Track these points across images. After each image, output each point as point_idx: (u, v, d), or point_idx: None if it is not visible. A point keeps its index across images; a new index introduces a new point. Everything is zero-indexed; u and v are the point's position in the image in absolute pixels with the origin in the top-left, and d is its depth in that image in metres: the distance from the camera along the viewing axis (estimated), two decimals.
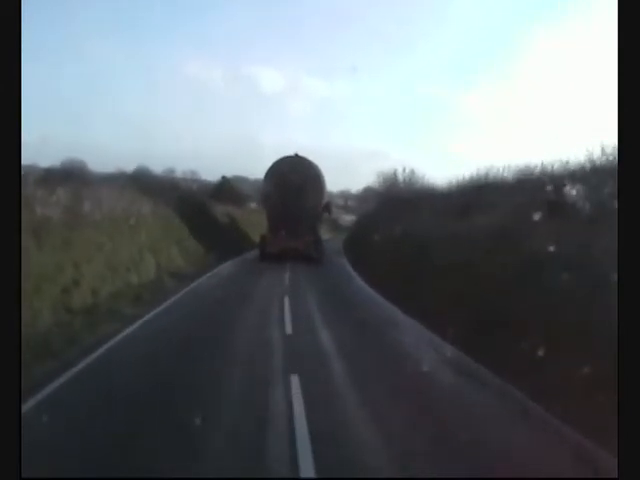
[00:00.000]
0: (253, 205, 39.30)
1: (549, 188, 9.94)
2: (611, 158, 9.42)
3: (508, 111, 72.26)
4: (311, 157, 24.60)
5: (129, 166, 36.07)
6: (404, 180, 35.75)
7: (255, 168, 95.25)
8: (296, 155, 24.15)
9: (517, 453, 4.59)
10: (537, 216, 8.57)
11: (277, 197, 22.94)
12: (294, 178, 22.72)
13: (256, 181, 46.05)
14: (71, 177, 19.70)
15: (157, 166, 46.46)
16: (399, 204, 25.83)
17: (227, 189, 39.04)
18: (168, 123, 74.69)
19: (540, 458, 4.45)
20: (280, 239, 22.51)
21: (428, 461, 4.39)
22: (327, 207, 26.51)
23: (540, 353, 5.79)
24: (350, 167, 72.40)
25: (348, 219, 50.22)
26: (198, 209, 26.60)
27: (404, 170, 36.15)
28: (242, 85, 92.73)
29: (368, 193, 63.23)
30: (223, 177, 42.56)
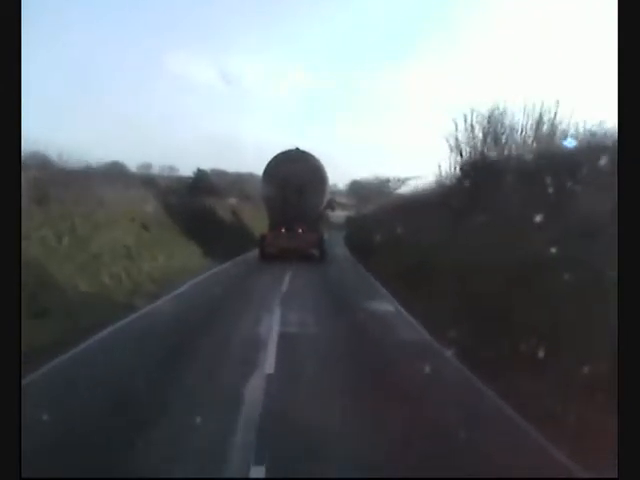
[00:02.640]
0: (232, 200, 35.38)
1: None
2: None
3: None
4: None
5: (104, 161, 34.11)
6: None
7: (237, 161, 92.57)
8: (297, 149, 22.67)
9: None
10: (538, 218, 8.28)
11: (277, 195, 21.50)
12: (295, 175, 21.33)
13: (236, 174, 43.28)
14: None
15: (135, 161, 42.63)
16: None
17: (204, 184, 34.23)
18: (146, 118, 72.56)
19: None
20: (281, 238, 21.29)
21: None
22: (330, 204, 25.16)
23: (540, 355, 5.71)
24: (335, 160, 71.16)
25: (341, 215, 48.26)
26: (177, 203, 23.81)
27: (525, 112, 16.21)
28: (222, 78, 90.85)
29: (355, 187, 60.39)
30: (199, 170, 37.31)
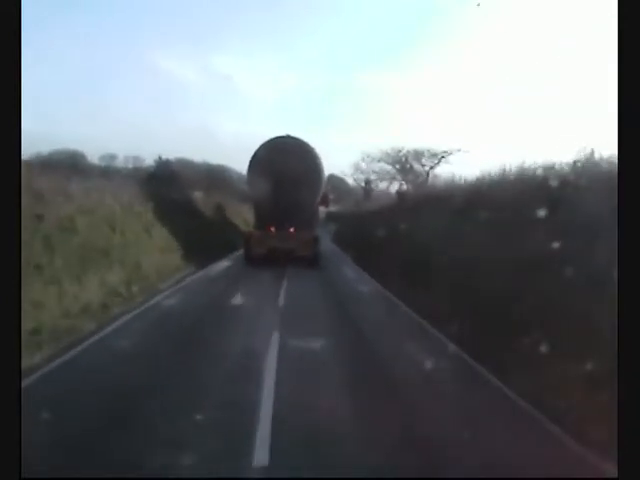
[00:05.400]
0: (199, 194, 30.62)
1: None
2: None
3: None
4: None
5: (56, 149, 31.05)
6: None
7: (209, 153, 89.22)
8: (288, 136, 19.70)
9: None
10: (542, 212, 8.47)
11: (267, 188, 18.36)
12: (288, 165, 18.45)
13: (205, 165, 39.34)
14: None
15: (99, 152, 40.55)
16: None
17: (166, 174, 28.89)
18: (119, 108, 70.62)
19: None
20: (270, 238, 18.59)
21: None
22: (324, 199, 22.23)
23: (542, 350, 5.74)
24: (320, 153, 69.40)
25: (325, 209, 45.06)
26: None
27: None
28: (204, 73, 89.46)
29: (333, 182, 58.21)
30: (160, 158, 31.28)
